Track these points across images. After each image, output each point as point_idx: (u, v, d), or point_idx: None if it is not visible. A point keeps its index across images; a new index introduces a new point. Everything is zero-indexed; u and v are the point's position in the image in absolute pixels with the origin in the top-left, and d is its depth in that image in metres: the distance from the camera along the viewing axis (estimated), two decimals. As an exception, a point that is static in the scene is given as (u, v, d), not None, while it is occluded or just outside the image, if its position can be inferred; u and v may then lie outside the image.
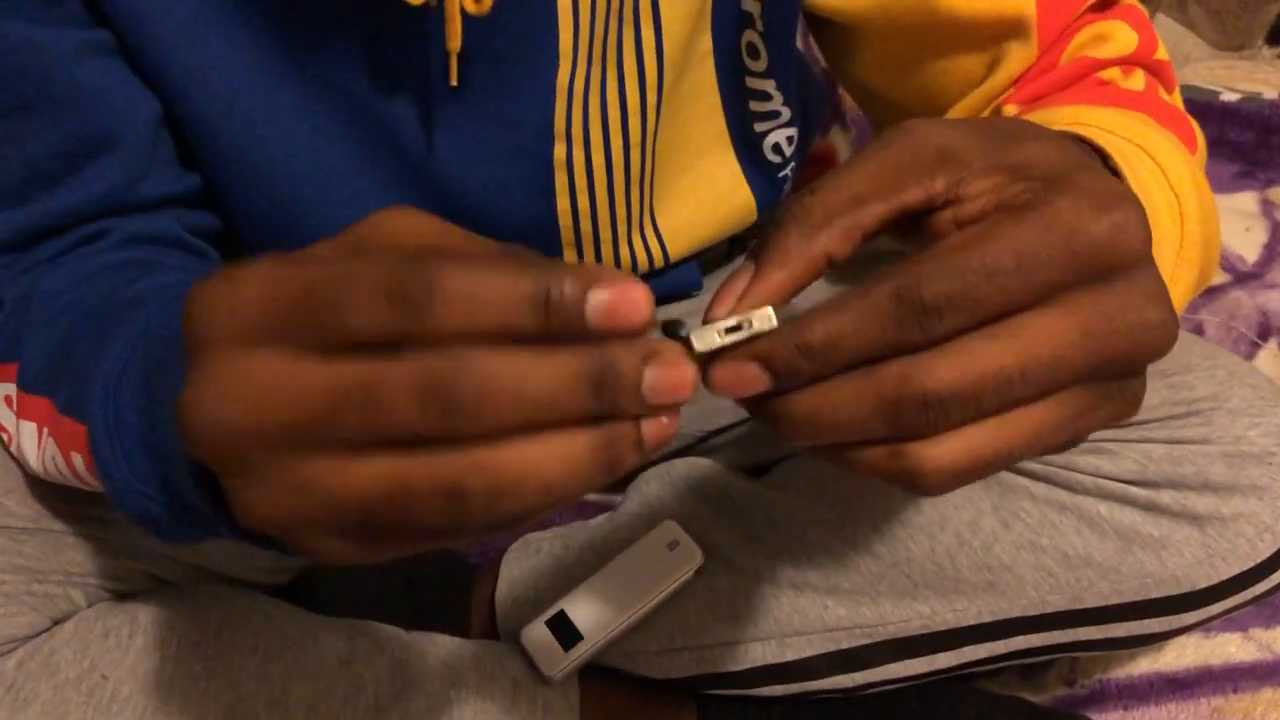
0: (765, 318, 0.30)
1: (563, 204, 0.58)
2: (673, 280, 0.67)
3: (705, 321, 0.32)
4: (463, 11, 0.47)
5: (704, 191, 0.64)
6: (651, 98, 0.56)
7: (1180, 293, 0.47)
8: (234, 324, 0.27)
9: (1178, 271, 0.46)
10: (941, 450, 0.29)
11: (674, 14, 0.55)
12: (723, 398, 0.31)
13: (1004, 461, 0.30)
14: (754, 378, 0.30)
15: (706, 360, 0.31)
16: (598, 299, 0.26)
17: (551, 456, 0.26)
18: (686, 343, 0.31)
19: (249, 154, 0.54)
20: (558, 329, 0.26)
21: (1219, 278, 1.04)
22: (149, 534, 0.43)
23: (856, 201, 0.31)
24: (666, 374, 0.27)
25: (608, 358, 0.26)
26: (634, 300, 0.26)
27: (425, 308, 0.25)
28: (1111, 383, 0.30)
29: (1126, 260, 0.29)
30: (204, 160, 0.55)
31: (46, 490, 0.55)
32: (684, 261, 0.66)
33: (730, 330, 0.31)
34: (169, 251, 0.54)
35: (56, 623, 0.57)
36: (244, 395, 0.27)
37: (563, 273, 0.26)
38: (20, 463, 0.53)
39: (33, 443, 0.49)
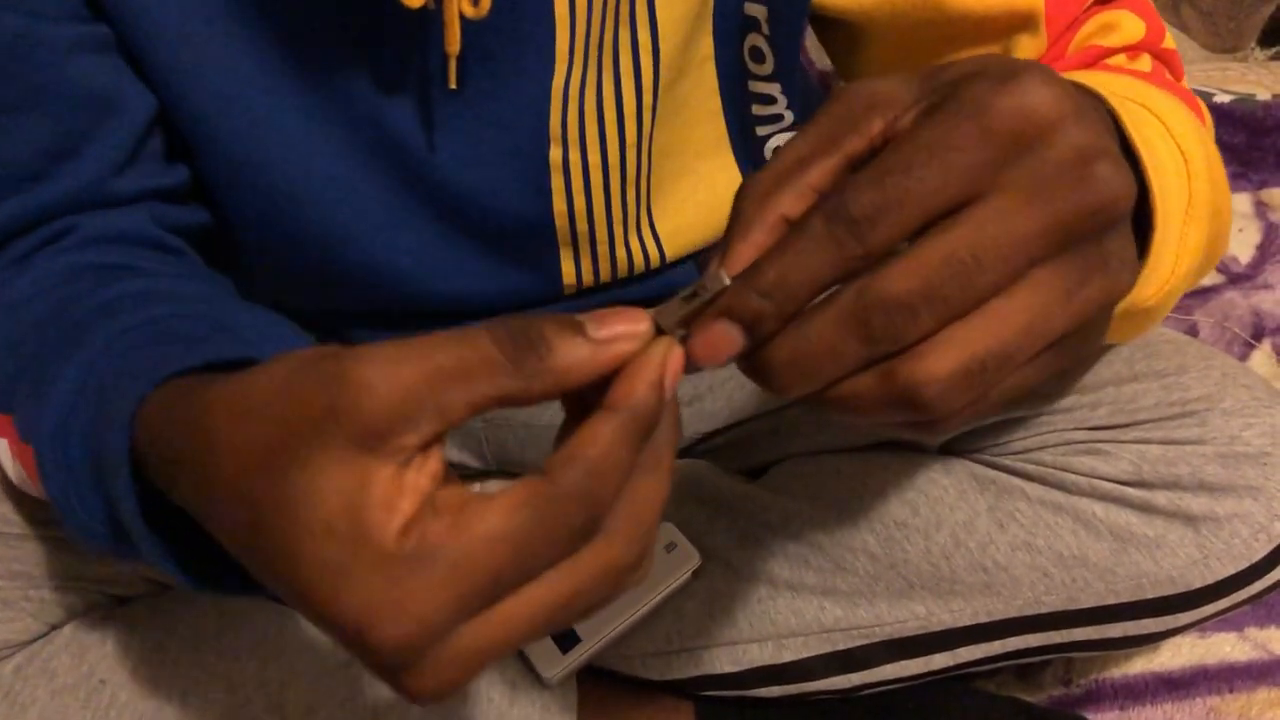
0: (716, 278, 0.31)
1: (559, 205, 0.58)
2: (670, 281, 0.67)
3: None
4: (460, 14, 0.48)
5: (703, 194, 0.64)
6: (648, 100, 0.56)
7: (1190, 253, 0.45)
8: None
9: (1186, 229, 0.45)
10: (931, 360, 0.29)
11: (670, 16, 0.55)
12: (712, 367, 0.31)
13: (1005, 360, 0.29)
14: (727, 337, 0.31)
15: (682, 339, 0.31)
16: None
17: (663, 483, 0.32)
18: (658, 327, 0.31)
19: (247, 153, 0.54)
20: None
21: (1213, 278, 1.05)
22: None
23: (802, 164, 0.31)
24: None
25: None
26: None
27: (597, 525, 0.30)
28: (1085, 249, 0.30)
29: (1045, 126, 0.29)
30: (200, 158, 0.55)
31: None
32: (681, 262, 0.66)
33: (688, 299, 0.31)
34: (137, 251, 0.54)
35: (54, 628, 0.57)
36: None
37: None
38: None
39: (7, 455, 0.48)
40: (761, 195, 0.32)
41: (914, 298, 0.28)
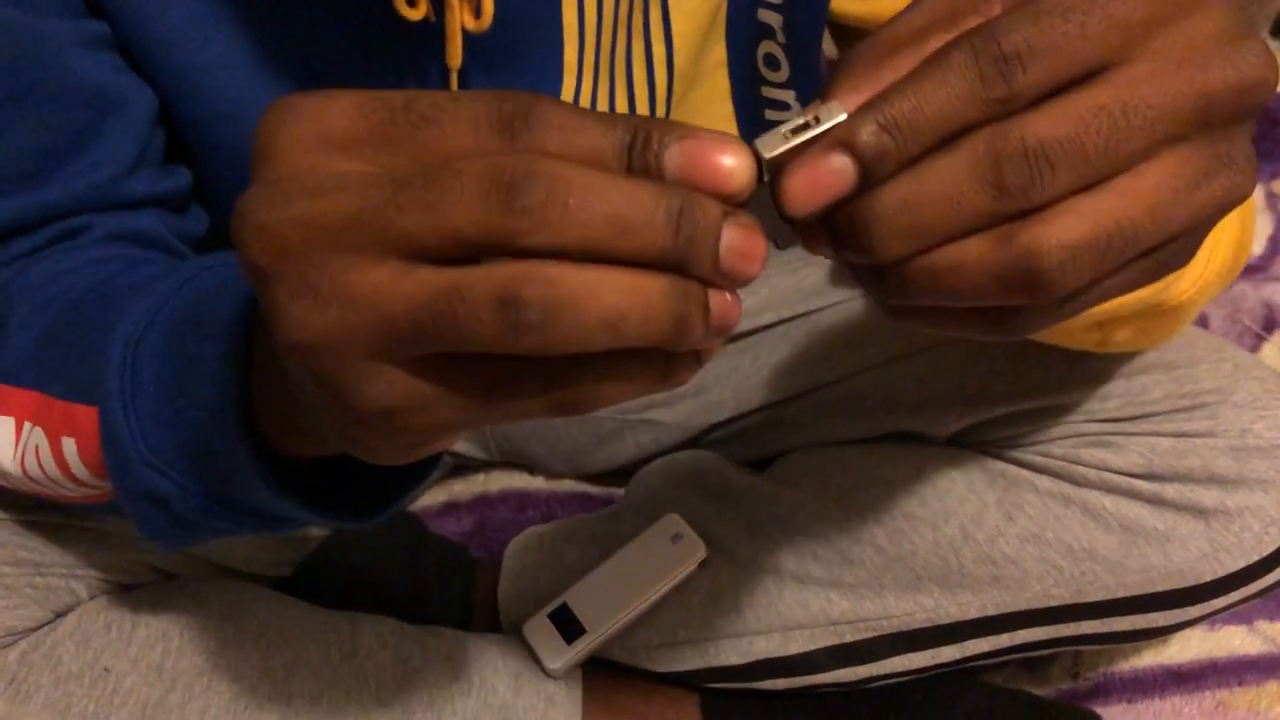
0: (835, 110, 0.27)
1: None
2: None
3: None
4: (463, 27, 0.47)
5: None
6: (660, 110, 0.56)
7: (1224, 245, 0.45)
8: (312, 131, 0.27)
9: (1222, 225, 0.43)
10: (1057, 226, 0.26)
11: (685, 27, 0.54)
12: (804, 214, 0.27)
13: (1126, 239, 0.27)
14: (836, 173, 0.27)
15: (776, 176, 0.27)
16: (680, 149, 0.25)
17: (619, 285, 0.25)
18: (755, 155, 0.27)
19: (248, 156, 0.53)
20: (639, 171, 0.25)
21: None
22: (145, 532, 0.43)
23: (918, 35, 0.28)
24: (745, 235, 0.26)
25: (691, 198, 0.25)
26: (716, 158, 0.25)
27: (520, 131, 0.25)
28: (1217, 140, 0.28)
29: None
30: (201, 160, 0.55)
31: None
32: None
33: (797, 130, 0.27)
34: (152, 253, 0.53)
35: (59, 615, 0.57)
36: (306, 189, 0.26)
37: (654, 124, 0.25)
38: None
39: (9, 439, 0.47)
40: (875, 59, 0.28)
41: (1056, 148, 0.26)
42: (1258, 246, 1.06)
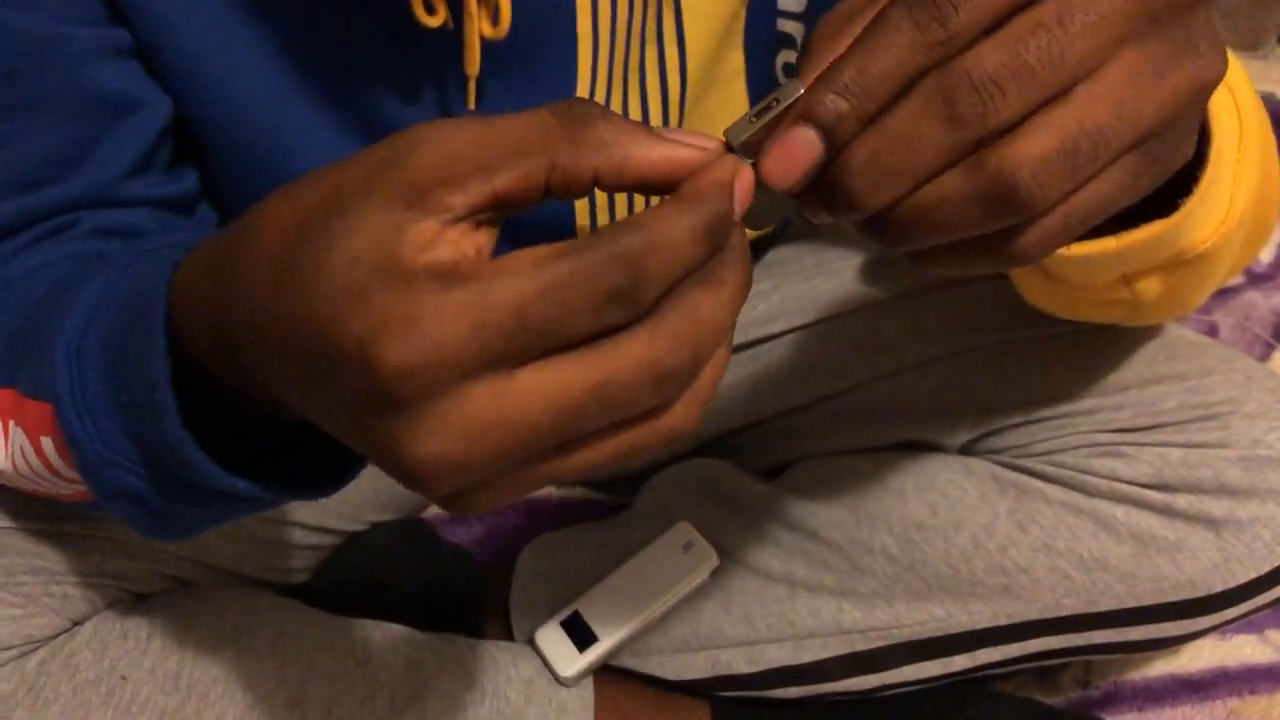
0: (792, 88, 0.29)
1: (581, 220, 0.58)
2: None
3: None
4: (480, 34, 0.47)
5: None
6: (674, 118, 0.56)
7: (1244, 193, 0.44)
8: (443, 361, 0.26)
9: (1240, 171, 0.44)
10: (1022, 141, 0.27)
11: (698, 33, 0.54)
12: (787, 187, 0.29)
13: (1100, 143, 0.28)
14: (804, 144, 0.29)
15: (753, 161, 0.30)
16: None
17: (725, 305, 0.29)
18: (727, 146, 0.29)
19: (265, 161, 0.54)
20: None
21: (1233, 278, 1.04)
22: (134, 527, 0.42)
23: (872, 2, 0.30)
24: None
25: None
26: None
27: (638, 297, 0.27)
28: (1172, 31, 0.28)
29: None
30: (216, 165, 0.55)
31: None
32: None
33: (761, 113, 0.29)
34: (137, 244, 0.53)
35: (76, 624, 0.58)
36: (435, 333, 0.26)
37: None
38: None
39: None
40: (834, 29, 0.30)
41: (1001, 72, 0.27)
42: (1268, 254, 1.06)
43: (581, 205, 0.58)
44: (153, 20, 0.50)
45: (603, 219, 0.59)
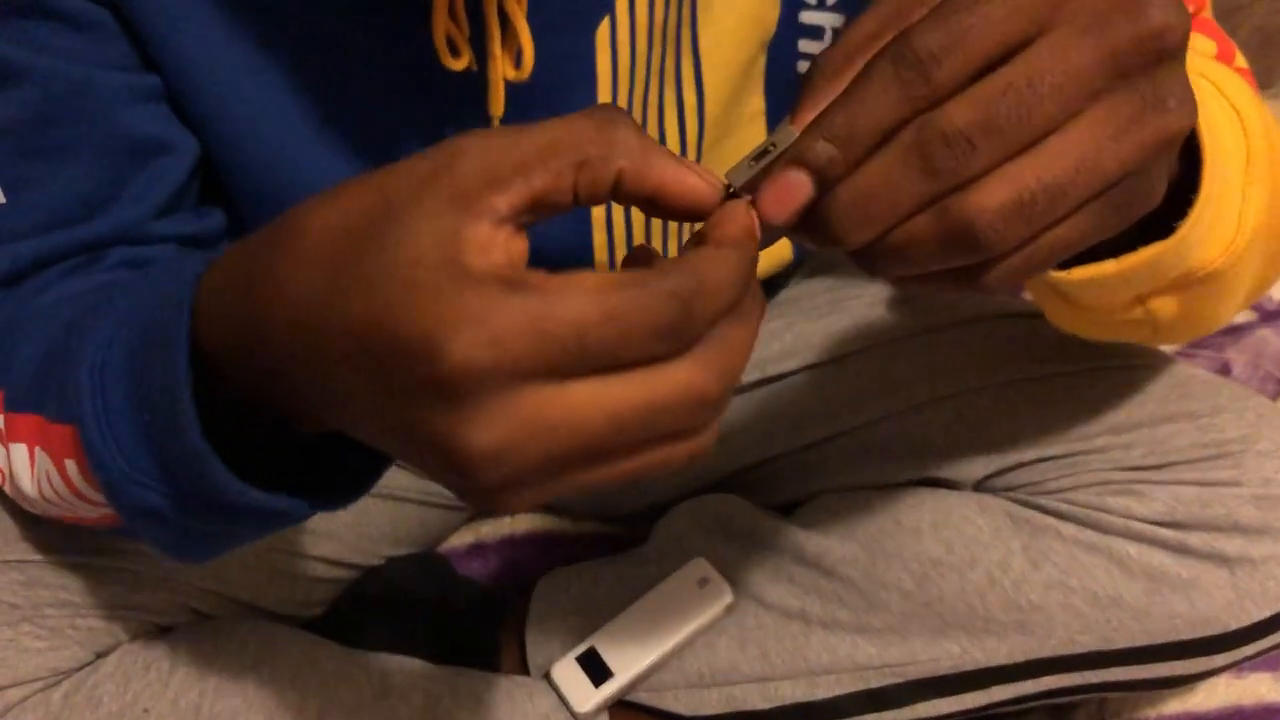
0: (786, 133, 0.32)
1: (600, 256, 0.59)
2: None
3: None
4: (504, 77, 0.48)
5: None
6: (691, 156, 0.57)
7: (1254, 211, 0.45)
8: (501, 359, 0.28)
9: (1249, 190, 0.45)
10: (982, 192, 0.30)
11: (717, 78, 0.55)
12: (783, 224, 0.32)
13: (1056, 195, 0.30)
14: (796, 186, 0.32)
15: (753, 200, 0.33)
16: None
17: (751, 335, 0.32)
18: (728, 188, 0.33)
19: (289, 201, 0.54)
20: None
21: (1245, 316, 1.04)
22: (157, 549, 0.42)
23: (871, 38, 0.32)
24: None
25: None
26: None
27: (686, 335, 0.30)
28: (1139, 87, 0.30)
29: None
30: (241, 203, 0.56)
31: None
32: None
33: (759, 157, 0.33)
34: None
35: (100, 656, 0.58)
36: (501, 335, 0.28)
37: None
38: (18, 500, 0.51)
39: (25, 467, 0.47)
40: (833, 70, 0.33)
41: (973, 129, 0.29)
42: (1277, 292, 1.06)
43: (600, 239, 0.59)
44: (182, 65, 0.51)
45: (620, 250, 0.60)
